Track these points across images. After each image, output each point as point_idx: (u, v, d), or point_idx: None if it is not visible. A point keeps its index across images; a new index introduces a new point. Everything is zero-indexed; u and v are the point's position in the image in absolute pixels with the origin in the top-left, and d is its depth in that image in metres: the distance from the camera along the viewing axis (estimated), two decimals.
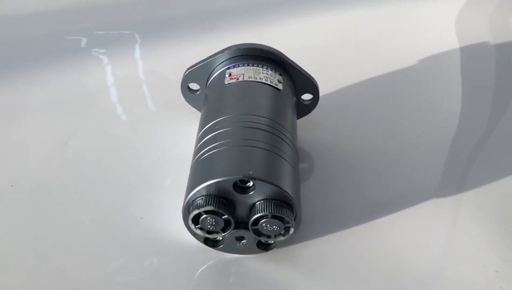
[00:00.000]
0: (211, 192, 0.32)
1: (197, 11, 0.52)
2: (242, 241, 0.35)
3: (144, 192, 0.40)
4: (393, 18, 0.59)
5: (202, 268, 0.36)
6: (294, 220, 0.33)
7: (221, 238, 0.35)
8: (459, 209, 0.38)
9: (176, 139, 0.44)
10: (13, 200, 0.38)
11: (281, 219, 0.33)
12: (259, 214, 0.32)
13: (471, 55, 0.54)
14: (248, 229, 0.34)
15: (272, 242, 0.35)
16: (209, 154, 0.33)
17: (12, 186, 0.40)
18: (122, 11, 0.59)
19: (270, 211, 0.32)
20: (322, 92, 0.43)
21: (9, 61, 0.51)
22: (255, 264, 0.35)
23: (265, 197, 0.32)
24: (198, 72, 0.41)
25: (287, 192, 0.32)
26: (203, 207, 0.32)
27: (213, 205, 0.32)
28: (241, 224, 0.34)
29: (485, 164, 0.42)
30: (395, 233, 0.37)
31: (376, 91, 0.49)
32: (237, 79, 0.38)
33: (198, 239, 0.35)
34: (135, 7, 0.61)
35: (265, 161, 0.33)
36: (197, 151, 0.35)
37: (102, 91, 0.49)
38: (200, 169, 0.33)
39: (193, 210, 0.32)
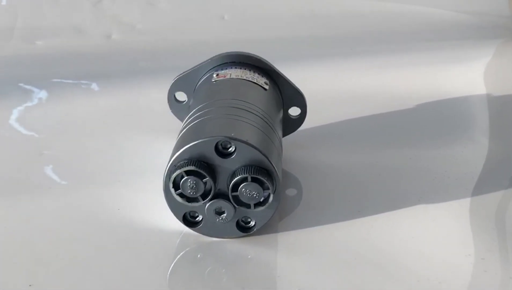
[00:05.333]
0: (193, 156, 0.44)
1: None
2: (221, 216, 0.45)
3: (122, 189, 0.53)
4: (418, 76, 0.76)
5: (180, 254, 0.47)
6: (274, 192, 0.45)
7: (200, 218, 0.46)
8: (444, 214, 0.50)
9: (158, 153, 0.55)
10: None
11: (261, 183, 0.44)
12: (239, 176, 0.44)
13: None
14: (228, 200, 0.45)
15: (252, 223, 0.46)
16: (192, 124, 0.46)
17: None
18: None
19: (250, 173, 0.44)
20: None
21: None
22: (235, 247, 0.46)
23: (246, 164, 0.44)
24: (186, 81, 0.55)
25: (267, 158, 0.44)
26: (184, 167, 0.44)
27: (194, 166, 0.44)
28: (221, 195, 0.45)
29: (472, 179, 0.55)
30: (382, 229, 0.48)
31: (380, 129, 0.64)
32: (224, 76, 0.52)
33: (177, 216, 0.46)
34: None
35: (249, 129, 0.45)
36: (181, 129, 0.48)
37: (85, 118, 0.65)
38: (182, 137, 0.46)
39: (175, 171, 0.44)
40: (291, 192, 0.54)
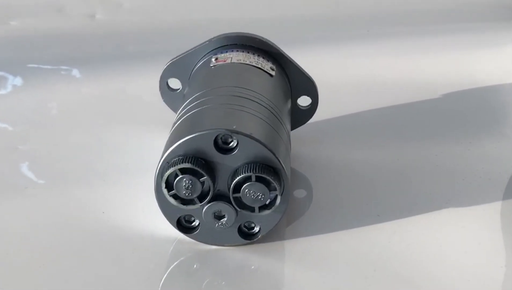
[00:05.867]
0: (188, 152, 0.43)
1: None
2: (221, 220, 0.45)
3: (107, 189, 0.52)
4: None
5: (174, 264, 0.46)
6: (282, 193, 0.44)
7: (197, 223, 0.45)
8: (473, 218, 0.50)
9: (148, 148, 0.55)
10: None
11: (266, 183, 0.43)
12: (242, 175, 0.43)
13: None
14: (229, 202, 0.44)
15: (256, 229, 0.45)
16: (187, 115, 0.45)
17: None
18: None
19: (254, 171, 0.43)
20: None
21: None
22: (236, 256, 0.45)
23: (250, 161, 0.43)
24: (180, 66, 0.54)
25: (274, 154, 0.43)
26: (178, 164, 0.43)
27: (190, 163, 0.43)
28: (221, 197, 0.44)
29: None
30: (405, 236, 0.48)
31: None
32: (224, 61, 0.51)
33: (170, 221, 0.45)
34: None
35: (253, 121, 0.44)
36: (175, 121, 0.47)
37: (65, 108, 0.65)
38: (176, 130, 0.45)
39: (168, 168, 0.43)
40: (300, 193, 0.53)
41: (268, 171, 0.43)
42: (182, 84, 0.55)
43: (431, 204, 0.51)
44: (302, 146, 0.57)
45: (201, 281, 0.44)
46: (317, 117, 0.57)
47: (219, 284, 0.44)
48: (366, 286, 0.43)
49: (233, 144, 0.43)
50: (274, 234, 0.46)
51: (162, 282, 0.44)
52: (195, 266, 0.46)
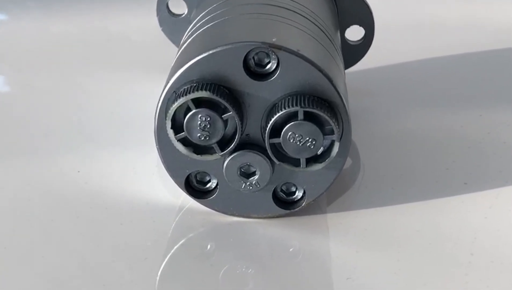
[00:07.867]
0: (206, 76, 0.37)
1: None
2: (250, 179, 0.39)
3: (83, 143, 0.50)
4: None
5: (180, 243, 0.41)
6: (340, 139, 0.38)
7: (214, 183, 0.40)
8: None
9: (140, 97, 0.54)
10: None
11: (319, 123, 0.37)
12: (283, 111, 0.37)
13: None
14: (263, 152, 0.38)
15: (299, 193, 0.40)
16: (202, 30, 0.40)
17: None
18: None
19: (302, 104, 0.37)
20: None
21: None
22: (269, 233, 0.40)
23: (295, 91, 0.37)
24: None
25: (331, 81, 0.37)
26: (191, 93, 0.37)
27: (209, 90, 0.37)
28: (251, 144, 0.39)
29: None
30: (507, 210, 0.43)
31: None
32: None
33: (176, 179, 0.40)
34: None
35: (299, 36, 0.39)
36: (182, 43, 0.42)
37: (28, 49, 0.64)
38: (187, 48, 0.40)
39: (176, 99, 0.37)
40: None
41: (322, 106, 0.37)
42: (189, 7, 0.51)
43: None
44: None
45: (218, 267, 0.39)
46: (369, 62, 0.54)
47: (243, 271, 0.39)
48: (463, 276, 0.38)
49: (271, 66, 0.38)
50: (315, 206, 0.42)
51: (162, 267, 0.39)
52: (209, 246, 0.41)
